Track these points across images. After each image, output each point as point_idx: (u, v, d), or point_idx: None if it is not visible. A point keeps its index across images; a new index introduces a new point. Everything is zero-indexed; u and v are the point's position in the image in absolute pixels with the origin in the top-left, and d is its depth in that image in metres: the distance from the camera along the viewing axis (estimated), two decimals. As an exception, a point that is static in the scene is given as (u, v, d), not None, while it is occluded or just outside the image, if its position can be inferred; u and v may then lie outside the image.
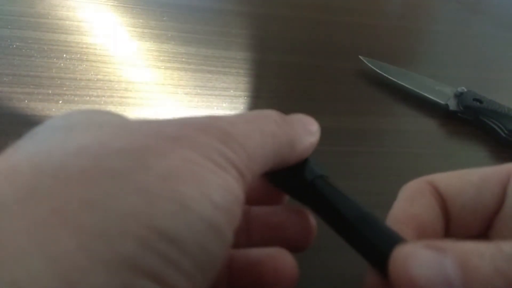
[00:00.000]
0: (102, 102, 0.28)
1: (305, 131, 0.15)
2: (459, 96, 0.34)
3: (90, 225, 0.09)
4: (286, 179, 0.16)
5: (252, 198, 0.17)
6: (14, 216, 0.08)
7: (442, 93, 0.35)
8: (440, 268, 0.10)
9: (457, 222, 0.15)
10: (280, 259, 0.14)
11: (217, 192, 0.11)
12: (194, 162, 0.11)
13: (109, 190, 0.09)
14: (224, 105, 0.31)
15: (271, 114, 0.14)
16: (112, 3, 0.39)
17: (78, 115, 0.12)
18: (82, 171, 0.09)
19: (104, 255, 0.08)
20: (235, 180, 0.11)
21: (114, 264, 0.08)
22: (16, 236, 0.08)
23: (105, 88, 0.30)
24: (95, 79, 0.30)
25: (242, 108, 0.31)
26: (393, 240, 0.12)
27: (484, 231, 0.15)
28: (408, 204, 0.15)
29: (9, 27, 0.33)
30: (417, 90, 0.35)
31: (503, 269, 0.10)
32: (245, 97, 0.32)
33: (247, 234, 0.16)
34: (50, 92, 0.28)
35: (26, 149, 0.11)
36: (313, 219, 0.17)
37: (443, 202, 0.15)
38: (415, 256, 0.11)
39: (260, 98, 0.32)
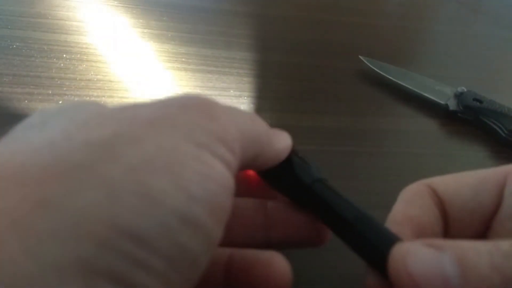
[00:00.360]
0: (102, 102, 0.28)
1: (278, 135, 0.15)
2: (459, 96, 0.34)
3: (41, 226, 0.08)
4: (286, 182, 0.16)
5: (260, 193, 0.17)
6: None
7: (442, 93, 0.35)
8: (438, 265, 0.10)
9: (455, 224, 0.15)
10: (274, 264, 0.14)
11: (195, 182, 0.10)
12: (171, 148, 0.10)
13: (67, 186, 0.09)
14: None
15: (247, 110, 0.14)
16: (112, 3, 0.39)
17: (53, 110, 0.12)
18: (42, 168, 0.09)
19: (55, 259, 0.08)
20: (223, 162, 0.11)
21: (68, 268, 0.08)
22: None
23: (105, 88, 0.30)
24: (95, 79, 0.30)
25: (242, 108, 0.31)
26: (391, 240, 0.13)
27: (482, 232, 0.16)
28: (407, 206, 0.15)
29: (9, 27, 0.33)
30: (417, 90, 0.35)
31: (500, 265, 0.10)
32: (245, 97, 0.32)
33: (266, 230, 0.16)
34: (50, 92, 0.28)
35: None
36: None
37: (441, 204, 0.15)
38: (414, 254, 0.11)
39: (260, 98, 0.32)
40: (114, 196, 0.09)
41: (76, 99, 0.28)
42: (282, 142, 0.15)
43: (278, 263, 0.14)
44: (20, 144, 0.10)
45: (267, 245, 0.16)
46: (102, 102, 0.28)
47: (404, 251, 0.11)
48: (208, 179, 0.10)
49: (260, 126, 0.14)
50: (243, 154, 0.12)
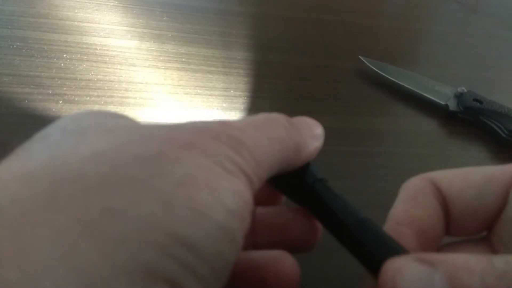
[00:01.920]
0: (103, 102, 0.28)
1: (310, 136, 0.15)
2: (459, 96, 0.34)
3: (111, 232, 0.09)
4: (286, 181, 0.16)
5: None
6: (36, 224, 0.08)
7: (442, 94, 0.35)
8: (428, 284, 0.10)
9: (457, 223, 0.15)
10: (282, 263, 0.14)
11: (230, 198, 0.11)
12: (207, 168, 0.11)
13: (128, 197, 0.09)
14: (224, 105, 0.31)
15: (279, 119, 0.14)
16: (112, 3, 0.39)
17: (88, 118, 0.12)
18: (100, 177, 0.09)
19: (126, 263, 0.08)
20: (244, 185, 0.12)
21: (135, 272, 0.08)
22: (40, 245, 0.08)
23: (105, 88, 0.30)
24: (95, 79, 0.30)
25: (242, 108, 0.31)
26: (389, 246, 0.13)
27: (485, 232, 0.15)
28: (409, 204, 0.15)
29: (10, 27, 0.33)
30: (417, 91, 0.35)
31: (492, 286, 0.10)
32: (245, 97, 0.32)
33: (253, 234, 0.16)
34: (50, 92, 0.28)
35: (40, 154, 0.11)
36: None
37: (444, 202, 0.15)
38: (405, 271, 0.11)
39: (260, 98, 0.32)
40: (168, 208, 0.09)
41: (76, 99, 0.28)
42: (312, 144, 0.15)
43: (286, 260, 0.14)
44: (67, 149, 0.11)
45: (254, 248, 0.16)
46: (102, 102, 0.28)
47: (394, 268, 0.11)
48: (237, 196, 0.11)
49: (289, 142, 0.14)
50: (263, 179, 0.13)
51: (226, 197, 0.11)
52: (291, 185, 0.16)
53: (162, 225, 0.09)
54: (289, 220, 0.16)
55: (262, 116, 0.14)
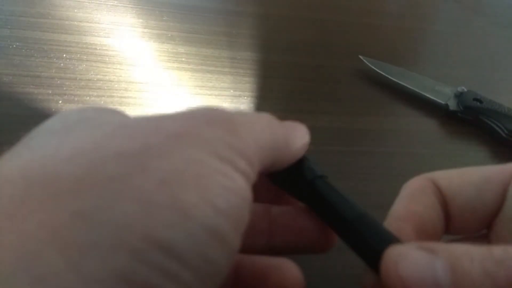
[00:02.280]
0: (102, 102, 0.28)
1: (296, 133, 0.15)
2: (459, 96, 0.34)
3: (80, 239, 0.08)
4: (287, 178, 0.16)
5: (264, 197, 0.17)
6: (2, 231, 0.08)
7: (442, 93, 0.35)
8: (430, 270, 0.10)
9: (457, 221, 0.15)
10: (286, 272, 0.14)
11: (220, 195, 0.10)
12: (198, 162, 0.10)
13: (103, 199, 0.09)
14: (224, 105, 0.31)
15: (265, 115, 0.14)
16: (112, 3, 0.39)
17: (75, 115, 0.12)
18: (75, 179, 0.09)
19: (95, 271, 0.08)
20: (243, 176, 0.11)
21: (107, 280, 0.08)
22: (3, 253, 0.07)
23: (105, 88, 0.29)
24: (95, 79, 0.30)
25: (242, 108, 0.31)
26: (388, 240, 0.13)
27: (483, 231, 0.15)
28: (409, 201, 0.15)
29: (9, 27, 0.33)
30: (417, 90, 0.35)
31: (492, 272, 0.10)
32: (245, 97, 0.32)
33: (269, 236, 0.16)
34: (50, 92, 0.28)
35: (20, 157, 0.10)
36: None
37: (444, 201, 0.15)
38: (407, 257, 0.11)
39: (261, 98, 0.32)
40: (147, 209, 0.09)
41: (76, 99, 0.28)
42: (298, 141, 0.15)
43: (290, 269, 0.14)
44: (47, 150, 0.10)
45: (270, 250, 0.16)
46: (102, 102, 0.28)
47: (396, 254, 0.11)
48: (231, 192, 0.10)
49: (278, 132, 0.14)
50: (261, 164, 0.12)
51: (216, 195, 0.10)
52: (291, 181, 0.16)
53: (139, 228, 0.08)
54: (306, 224, 0.16)
55: (253, 112, 0.14)
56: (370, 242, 0.13)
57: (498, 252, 0.10)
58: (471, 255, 0.10)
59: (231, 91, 0.32)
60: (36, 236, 0.08)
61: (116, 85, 0.30)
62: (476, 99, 0.33)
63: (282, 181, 0.17)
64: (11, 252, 0.08)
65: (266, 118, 0.14)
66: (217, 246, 0.10)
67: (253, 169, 0.12)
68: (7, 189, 0.09)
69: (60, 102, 0.28)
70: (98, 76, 0.30)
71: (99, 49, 0.33)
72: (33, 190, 0.09)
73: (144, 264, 0.08)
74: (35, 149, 0.10)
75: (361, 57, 0.38)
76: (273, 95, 0.33)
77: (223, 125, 0.11)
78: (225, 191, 0.10)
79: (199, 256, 0.09)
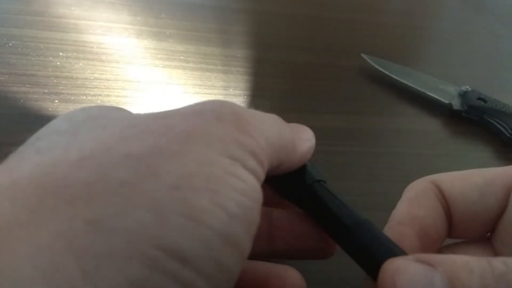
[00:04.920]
0: (99, 101, 0.28)
1: (302, 136, 0.15)
2: (463, 95, 0.34)
3: (95, 248, 0.08)
4: (285, 183, 0.16)
5: (265, 200, 0.17)
6: (17, 240, 0.08)
7: (446, 92, 0.34)
8: (428, 284, 0.10)
9: (459, 225, 0.15)
10: (289, 280, 0.14)
11: (233, 200, 0.10)
12: (208, 163, 0.10)
13: (115, 205, 0.09)
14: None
15: (272, 115, 0.14)
16: (109, 1, 0.39)
17: (82, 115, 0.12)
18: (86, 184, 0.09)
19: (110, 281, 0.08)
20: (254, 175, 0.11)
21: None
22: (19, 263, 0.07)
23: (102, 87, 0.29)
24: (92, 78, 0.29)
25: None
26: (388, 249, 0.13)
27: (486, 234, 0.15)
28: (411, 204, 0.15)
29: (5, 25, 0.33)
30: (420, 89, 0.35)
31: (492, 287, 0.10)
32: (245, 96, 0.31)
33: (270, 241, 0.16)
34: (46, 91, 0.28)
35: (29, 160, 0.10)
36: None
37: (446, 204, 0.15)
38: (405, 270, 0.11)
39: (260, 97, 0.32)
40: (160, 216, 0.09)
41: (72, 98, 0.27)
42: (305, 144, 0.15)
43: (293, 278, 0.14)
44: (55, 152, 0.10)
45: (271, 255, 0.16)
46: (99, 101, 0.28)
47: (394, 268, 0.11)
48: (242, 194, 0.10)
49: (286, 132, 0.13)
50: (269, 164, 0.12)
51: (229, 199, 0.10)
52: (289, 186, 0.16)
53: (152, 236, 0.08)
54: (308, 229, 0.16)
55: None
56: (369, 250, 0.13)
57: (498, 265, 0.10)
58: (470, 268, 0.10)
59: (230, 89, 0.32)
60: (51, 246, 0.08)
61: (113, 84, 0.29)
62: (480, 99, 0.33)
63: (279, 186, 0.16)
64: (29, 262, 0.07)
65: (274, 117, 0.13)
66: (231, 252, 0.10)
67: (263, 168, 0.11)
68: (19, 195, 0.09)
69: (56, 101, 0.27)
70: (95, 75, 0.30)
71: (96, 48, 0.32)
72: (45, 197, 0.09)
73: (158, 272, 0.08)
74: (43, 152, 0.10)
75: (363, 55, 0.37)
76: (273, 94, 0.32)
77: (233, 122, 0.11)
78: (237, 193, 0.10)
79: (214, 263, 0.09)
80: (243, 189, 0.10)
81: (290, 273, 0.14)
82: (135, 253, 0.08)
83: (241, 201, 0.10)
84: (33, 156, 0.10)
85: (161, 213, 0.09)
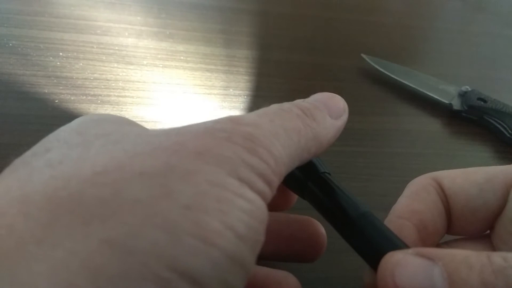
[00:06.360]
0: (99, 102, 0.28)
1: (330, 118, 0.14)
2: (463, 95, 0.34)
3: (110, 268, 0.08)
4: (290, 174, 0.16)
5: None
6: (33, 259, 0.08)
7: (446, 92, 0.34)
8: (427, 278, 0.10)
9: (458, 221, 0.15)
10: (287, 285, 0.14)
11: (241, 221, 0.10)
12: (219, 184, 0.10)
13: (129, 225, 0.09)
14: (224, 104, 0.30)
15: (292, 109, 0.13)
16: (109, 0, 0.39)
17: (93, 127, 0.12)
18: (101, 202, 0.09)
19: None
20: (261, 197, 0.11)
21: None
22: (36, 282, 0.07)
23: (102, 87, 0.29)
24: (92, 78, 0.29)
25: (242, 107, 0.30)
26: (390, 240, 0.13)
27: (485, 231, 0.15)
28: (412, 199, 0.15)
29: (5, 25, 0.33)
30: (420, 89, 0.35)
31: (490, 282, 0.10)
32: (245, 96, 0.31)
33: None
34: (46, 91, 0.28)
35: (40, 173, 0.10)
36: (323, 232, 0.16)
37: (446, 200, 0.15)
38: (404, 264, 0.11)
39: (261, 97, 0.32)
40: (173, 237, 0.09)
41: (72, 98, 0.27)
42: (332, 130, 0.14)
43: (291, 284, 0.14)
44: (68, 167, 0.10)
45: (259, 257, 0.16)
46: (99, 101, 0.28)
47: (394, 262, 0.11)
48: (250, 216, 0.10)
49: (307, 131, 0.13)
50: (290, 168, 0.12)
51: (237, 220, 0.10)
52: (293, 178, 0.16)
53: (166, 257, 0.08)
54: (296, 231, 0.16)
55: (274, 107, 0.13)
56: (371, 241, 0.13)
57: (497, 260, 0.10)
58: (469, 263, 0.10)
59: (231, 89, 0.32)
60: (67, 265, 0.08)
61: (113, 84, 0.29)
62: (480, 99, 0.33)
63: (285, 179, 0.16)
64: (45, 280, 0.08)
65: (292, 116, 0.13)
66: (237, 272, 0.10)
67: (271, 189, 0.11)
68: (33, 211, 0.09)
69: (56, 101, 0.27)
70: (95, 75, 0.30)
71: (96, 48, 0.32)
72: (59, 214, 0.09)
73: None
74: (54, 165, 0.10)
75: (363, 55, 0.37)
76: (273, 94, 0.32)
77: (244, 144, 0.11)
78: (245, 215, 0.10)
79: (221, 283, 0.09)
80: (250, 211, 0.10)
81: (289, 280, 0.14)
82: (149, 275, 0.08)
83: (248, 223, 0.10)
84: (44, 169, 0.10)
85: (173, 234, 0.09)
